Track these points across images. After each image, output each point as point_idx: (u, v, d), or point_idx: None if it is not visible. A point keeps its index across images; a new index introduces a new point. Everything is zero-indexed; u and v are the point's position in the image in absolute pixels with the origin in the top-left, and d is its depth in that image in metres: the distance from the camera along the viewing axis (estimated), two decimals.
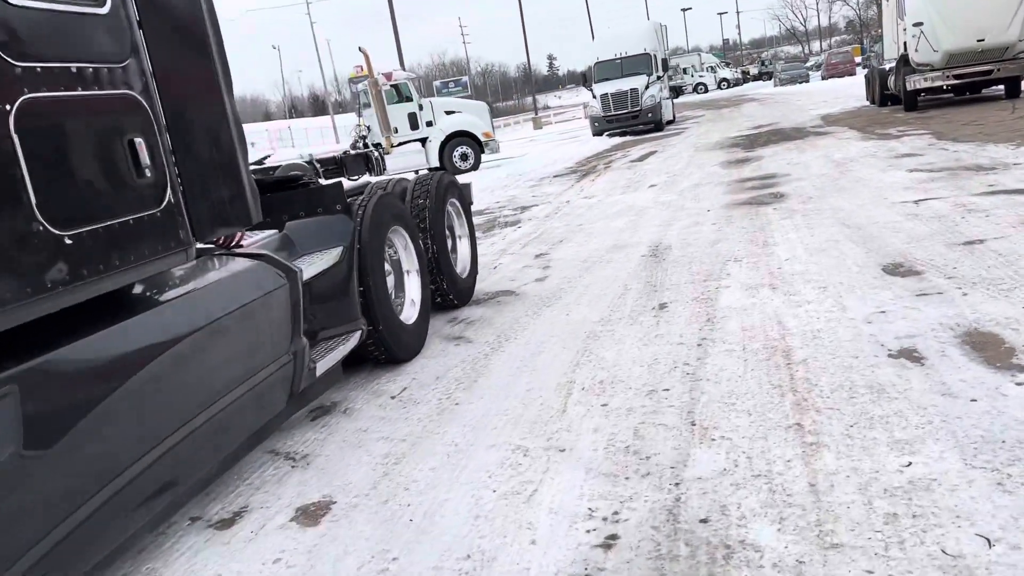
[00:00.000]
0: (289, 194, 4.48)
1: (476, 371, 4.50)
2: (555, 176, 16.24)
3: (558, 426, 3.57)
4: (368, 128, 21.08)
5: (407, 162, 20.46)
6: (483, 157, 21.31)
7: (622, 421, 3.51)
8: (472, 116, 21.27)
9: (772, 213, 7.81)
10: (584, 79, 28.05)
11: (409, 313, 5.01)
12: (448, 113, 21.11)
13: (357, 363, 4.75)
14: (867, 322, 4.26)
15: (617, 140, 23.79)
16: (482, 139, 20.96)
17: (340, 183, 4.43)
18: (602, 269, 6.58)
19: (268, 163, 18.91)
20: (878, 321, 4.24)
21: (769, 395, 3.51)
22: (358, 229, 4.49)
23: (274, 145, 78.30)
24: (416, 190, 5.73)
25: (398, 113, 20.57)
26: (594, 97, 26.16)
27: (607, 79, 25.73)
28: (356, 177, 19.62)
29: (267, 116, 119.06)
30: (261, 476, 3.58)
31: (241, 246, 3.81)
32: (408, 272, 5.15)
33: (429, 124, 20.85)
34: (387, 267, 4.90)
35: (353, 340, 4.17)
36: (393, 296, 5.05)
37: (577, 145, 24.57)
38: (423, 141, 20.77)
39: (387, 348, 4.61)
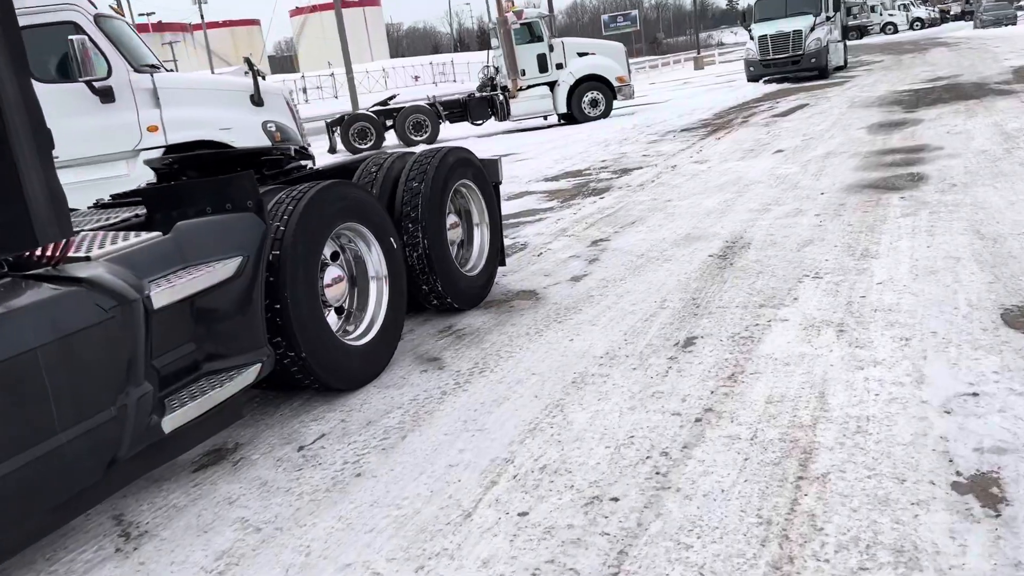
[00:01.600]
0: (190, 186, 3.61)
1: (416, 420, 3.54)
2: (682, 130, 14.68)
3: (444, 545, 2.57)
4: (496, 70, 20.11)
5: (532, 107, 19.38)
6: (615, 104, 19.83)
7: (526, 552, 2.47)
8: (606, 59, 19.75)
9: (896, 205, 6.24)
10: (743, 17, 25.69)
11: (362, 333, 4.08)
12: (580, 55, 19.69)
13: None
14: (945, 411, 2.94)
15: (773, 88, 21.55)
16: (615, 84, 19.45)
17: (250, 173, 3.53)
18: (653, 271, 5.38)
19: (393, 104, 18.39)
20: (961, 411, 2.92)
21: (743, 542, 2.35)
22: (279, 232, 3.58)
23: (436, 79, 78.67)
24: (412, 170, 4.75)
25: (527, 54, 19.40)
26: (751, 38, 23.83)
27: (768, 18, 23.33)
28: (480, 122, 18.80)
29: (435, 49, 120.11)
30: (78, 556, 2.83)
31: (89, 258, 2.99)
32: (372, 279, 4.21)
33: (559, 67, 19.55)
34: (338, 274, 3.98)
35: (245, 376, 3.30)
36: (351, 310, 4.15)
37: (727, 92, 22.48)
38: (551, 85, 19.53)
39: (316, 377, 3.73)
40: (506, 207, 8.66)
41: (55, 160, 8.87)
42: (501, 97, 19.42)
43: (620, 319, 4.48)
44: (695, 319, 4.31)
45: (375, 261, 4.19)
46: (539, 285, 5.43)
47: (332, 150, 19.99)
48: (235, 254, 3.33)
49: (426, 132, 19.45)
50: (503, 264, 5.61)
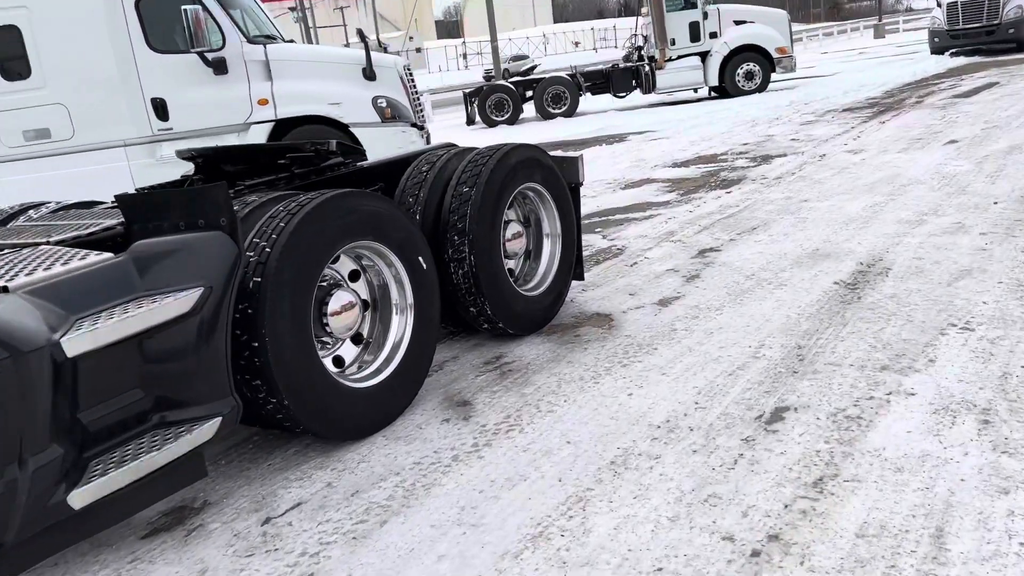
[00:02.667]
0: (161, 196, 3.04)
1: (408, 497, 2.86)
2: (844, 110, 13.11)
3: None
4: (644, 39, 18.95)
5: (681, 79, 18.12)
6: (773, 77, 18.19)
7: None
8: (766, 28, 18.09)
9: None
10: None
11: (374, 372, 3.43)
12: (737, 23, 18.13)
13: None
14: None
15: (959, 62, 19.12)
16: (774, 56, 17.81)
17: (223, 185, 2.91)
18: (760, 300, 4.43)
19: (536, 73, 17.74)
20: None
21: None
22: (264, 254, 2.97)
23: (597, 45, 76.95)
24: (465, 172, 4.02)
25: (678, 21, 18.07)
26: (939, 5, 21.28)
27: None
28: (623, 95, 17.80)
29: (599, 14, 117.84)
30: None
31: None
32: (396, 309, 3.54)
33: (713, 36, 18.10)
34: (348, 300, 3.34)
35: (200, 432, 2.72)
36: (371, 339, 3.51)
37: (904, 65, 20.19)
38: (703, 55, 18.13)
39: (306, 427, 3.12)
40: (620, 198, 7.81)
41: (170, 131, 8.59)
42: (647, 68, 18.24)
43: (699, 369, 3.60)
44: (793, 379, 3.38)
45: (396, 286, 3.52)
46: (619, 307, 4.60)
47: (470, 121, 19.55)
48: (196, 284, 2.73)
49: (565, 104, 18.59)
50: (581, 278, 4.82)
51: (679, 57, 18.19)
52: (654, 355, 3.83)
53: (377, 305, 3.56)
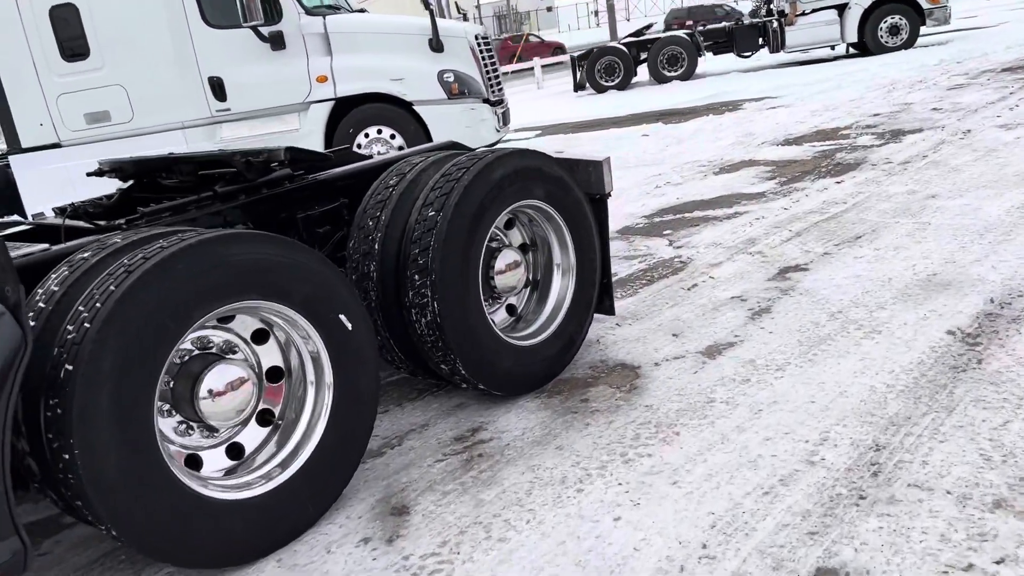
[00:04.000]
0: None
1: None
2: (1004, 70, 11.14)
3: None
4: None
5: (814, 36, 16.26)
6: (922, 31, 15.98)
7: None
8: None
9: None
10: None
11: (273, 470, 2.58)
12: None
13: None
14: None
15: None
16: (924, 6, 15.60)
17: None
18: (837, 358, 3.28)
19: (649, 34, 16.24)
20: None
21: None
22: (81, 332, 2.16)
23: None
24: (434, 188, 3.08)
25: None
26: None
27: None
28: (748, 54, 16.20)
29: None
30: None
31: None
32: (309, 384, 2.67)
33: None
34: (237, 376, 2.49)
35: None
36: (279, 424, 2.67)
37: None
38: (840, 8, 16.13)
39: (157, 557, 2.33)
40: (709, 186, 6.66)
41: (228, 112, 7.85)
42: (775, 24, 16.44)
43: (726, 478, 2.55)
44: (856, 512, 2.29)
45: (309, 355, 2.65)
46: (652, 356, 3.56)
47: (579, 87, 18.37)
48: None
49: (681, 66, 17.08)
50: (611, 312, 3.79)
51: (813, 11, 16.28)
52: (672, 445, 2.80)
53: (292, 373, 2.71)
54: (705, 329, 3.78)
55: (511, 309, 3.54)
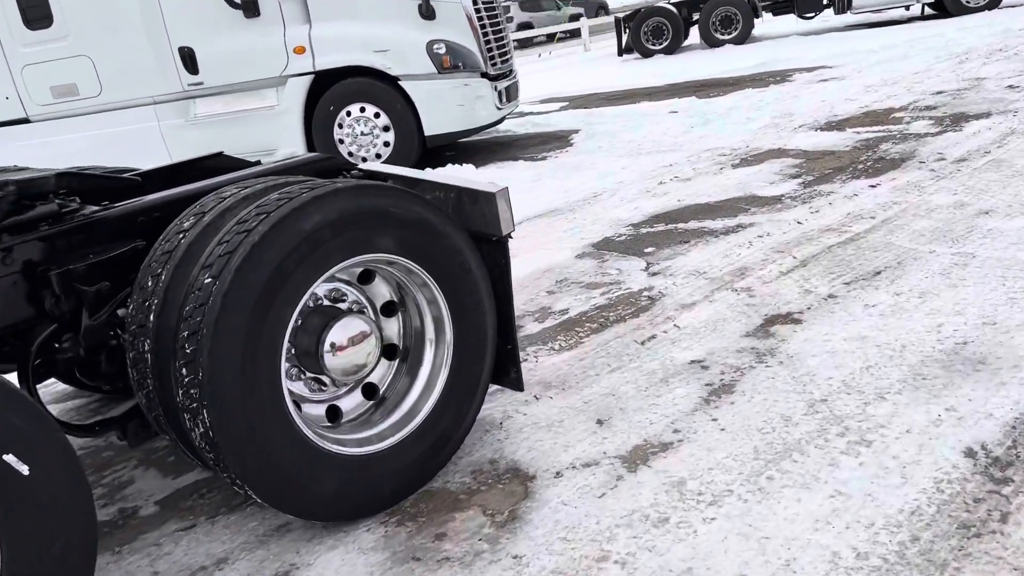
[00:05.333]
0: None
1: None
2: None
3: None
4: None
5: None
6: None
7: None
8: None
9: None
10: None
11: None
12: None
13: None
14: None
15: None
16: None
17: None
18: (800, 489, 2.30)
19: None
20: None
21: None
22: None
23: None
24: (219, 245, 2.19)
25: None
26: None
27: None
28: (811, 15, 14.82)
29: None
30: None
31: None
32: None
33: None
34: None
35: None
36: None
37: None
38: None
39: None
40: (719, 184, 5.65)
41: (201, 86, 6.86)
42: None
43: None
44: None
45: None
46: (555, 461, 2.62)
47: (623, 51, 17.10)
48: None
49: (735, 28, 15.66)
50: (518, 387, 2.87)
51: None
52: None
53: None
54: (641, 415, 2.82)
55: (370, 390, 2.65)
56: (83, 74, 7.93)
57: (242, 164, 3.40)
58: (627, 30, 16.69)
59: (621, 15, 17.04)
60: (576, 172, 6.79)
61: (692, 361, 3.17)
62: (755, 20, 15.74)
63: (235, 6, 7.48)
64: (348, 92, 7.61)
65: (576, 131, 8.83)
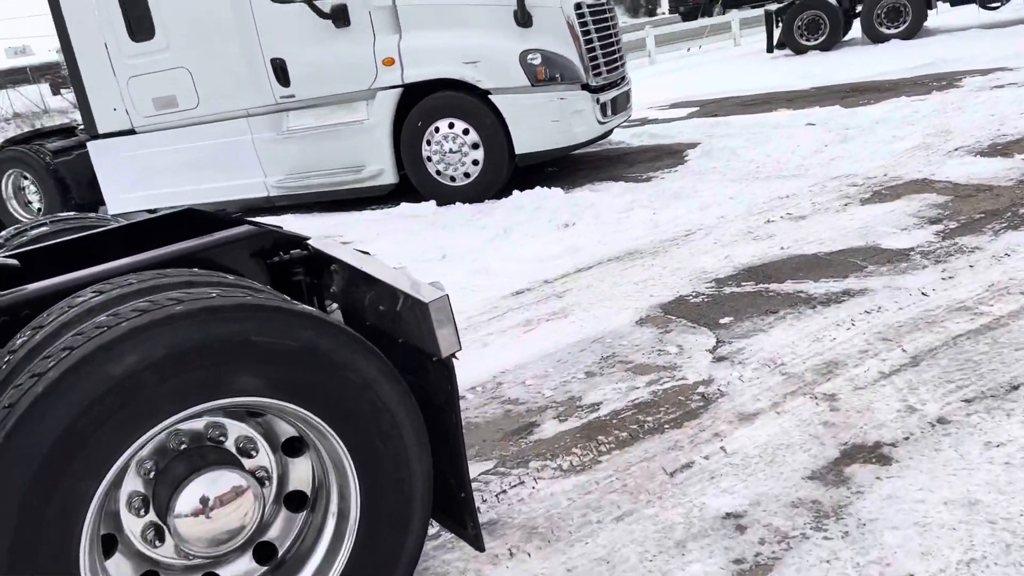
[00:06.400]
0: None
1: None
2: None
3: None
4: None
5: None
6: None
7: None
8: None
9: None
10: None
11: None
12: None
13: None
14: None
15: None
16: None
17: None
18: None
19: None
20: None
21: None
22: None
23: None
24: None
25: None
26: None
27: None
28: (996, 5, 13.08)
29: None
30: None
31: None
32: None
33: None
34: None
35: None
36: None
37: None
38: None
39: None
40: (840, 225, 4.80)
41: (292, 99, 6.55)
42: None
43: None
44: None
45: None
46: None
47: (774, 46, 15.71)
48: None
49: (904, 21, 13.96)
50: (477, 545, 2.18)
51: None
52: None
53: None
54: None
55: (266, 551, 2.05)
56: (182, 86, 7.84)
57: (211, 220, 2.89)
58: (779, 24, 15.31)
59: (773, 8, 15.64)
60: (675, 201, 5.93)
61: (727, 515, 2.36)
62: (928, 11, 13.98)
63: (324, 16, 7.11)
64: (437, 106, 7.08)
65: (694, 145, 7.90)
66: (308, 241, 2.45)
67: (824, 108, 8.72)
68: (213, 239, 2.40)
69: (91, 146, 8.57)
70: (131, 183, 8.48)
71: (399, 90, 7.16)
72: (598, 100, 7.14)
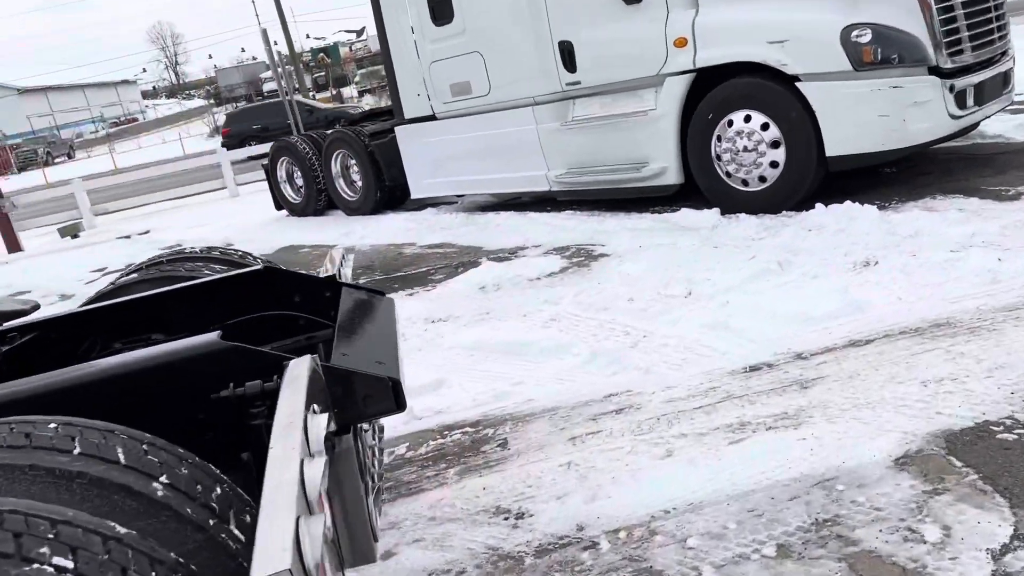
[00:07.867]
0: None
1: None
2: None
3: None
4: None
5: None
6: None
7: None
8: None
9: None
10: None
11: None
12: None
13: None
14: None
15: None
16: None
17: None
18: None
19: None
20: None
21: None
22: None
23: None
24: None
25: None
26: None
27: None
28: None
29: None
30: None
31: None
32: None
33: None
34: None
35: None
36: None
37: None
38: None
39: None
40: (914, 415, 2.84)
41: (577, 86, 6.53)
42: None
43: None
44: None
45: None
46: None
47: None
48: None
49: None
50: None
51: None
52: None
53: None
54: None
55: None
56: (475, 72, 7.51)
57: (292, 280, 2.33)
58: None
59: None
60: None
61: None
62: None
63: None
64: (732, 96, 5.85)
65: None
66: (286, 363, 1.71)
67: None
68: (152, 356, 1.76)
69: (398, 131, 8.66)
70: (431, 169, 8.44)
71: (690, 76, 6.05)
72: (952, 87, 5.35)
